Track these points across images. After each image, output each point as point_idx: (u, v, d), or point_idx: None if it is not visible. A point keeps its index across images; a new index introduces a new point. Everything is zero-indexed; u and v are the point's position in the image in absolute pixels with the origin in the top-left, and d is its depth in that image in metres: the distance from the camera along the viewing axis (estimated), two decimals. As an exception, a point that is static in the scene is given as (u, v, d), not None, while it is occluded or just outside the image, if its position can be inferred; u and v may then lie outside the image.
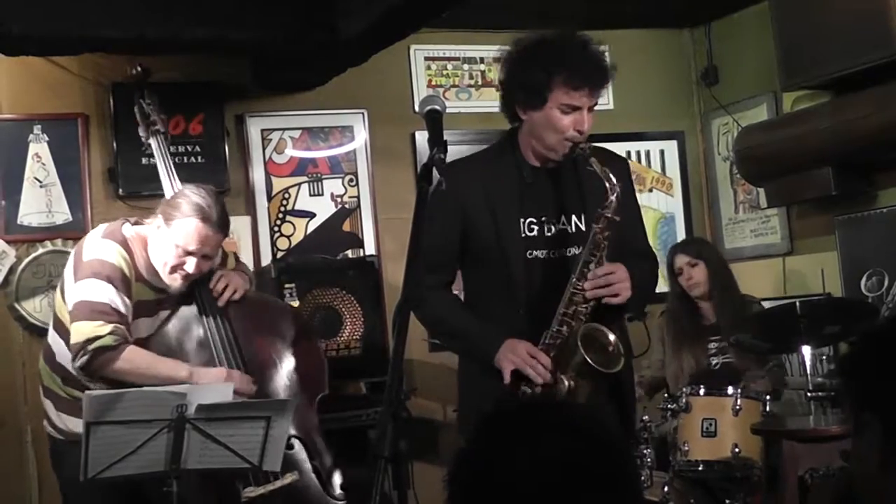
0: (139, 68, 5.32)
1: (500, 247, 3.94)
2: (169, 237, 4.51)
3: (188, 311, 4.74)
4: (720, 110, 7.46)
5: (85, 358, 4.41)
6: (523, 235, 3.97)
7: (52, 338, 4.70)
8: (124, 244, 4.57)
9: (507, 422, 1.97)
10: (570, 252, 3.99)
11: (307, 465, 4.71)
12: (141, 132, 5.20)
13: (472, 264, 4.07)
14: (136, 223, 4.69)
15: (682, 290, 6.24)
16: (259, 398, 4.54)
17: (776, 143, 6.61)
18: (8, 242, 6.03)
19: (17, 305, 6.01)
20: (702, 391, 5.47)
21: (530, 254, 3.97)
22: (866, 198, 6.54)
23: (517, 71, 3.94)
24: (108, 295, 4.46)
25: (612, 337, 3.88)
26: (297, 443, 4.67)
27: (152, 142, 5.13)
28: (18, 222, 6.07)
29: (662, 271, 7.60)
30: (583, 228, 3.99)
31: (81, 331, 4.44)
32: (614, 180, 3.86)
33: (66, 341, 4.54)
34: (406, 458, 5.34)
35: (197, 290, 4.73)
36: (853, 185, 6.44)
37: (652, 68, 7.59)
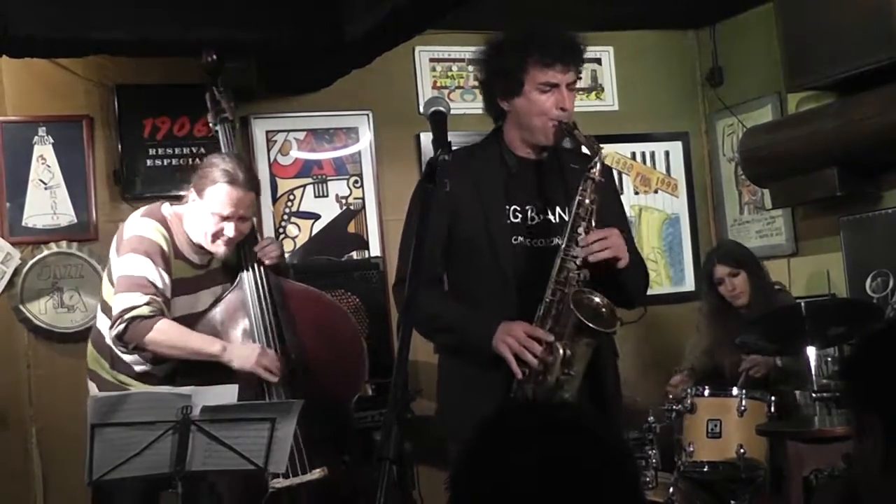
0: (214, 56, 5.25)
1: (487, 233, 3.93)
2: (204, 207, 4.59)
3: (235, 297, 4.77)
4: (725, 111, 7.46)
5: (121, 327, 4.47)
6: (508, 222, 3.97)
7: (101, 321, 4.76)
8: (163, 222, 4.65)
9: (507, 422, 1.97)
10: (553, 242, 3.97)
11: (339, 462, 4.73)
12: (209, 118, 5.17)
13: (458, 254, 4.02)
14: (174, 203, 4.76)
15: (721, 299, 6.17)
16: (298, 391, 4.55)
17: (781, 144, 6.60)
18: (13, 244, 6.03)
19: (21, 307, 6.01)
20: (706, 392, 5.47)
21: (515, 239, 3.97)
22: (871, 199, 6.54)
23: (491, 63, 4.01)
24: (147, 269, 4.53)
25: (599, 299, 3.85)
26: (330, 438, 4.73)
27: (219, 129, 5.11)
28: (23, 224, 6.07)
29: (664, 272, 7.62)
30: (566, 220, 3.97)
31: (120, 302, 4.52)
32: (598, 145, 3.89)
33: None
34: (410, 460, 5.36)
35: (246, 273, 4.78)
36: (858, 186, 6.43)
37: (657, 69, 7.59)
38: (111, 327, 4.54)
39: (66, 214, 6.11)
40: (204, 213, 4.60)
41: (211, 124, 5.17)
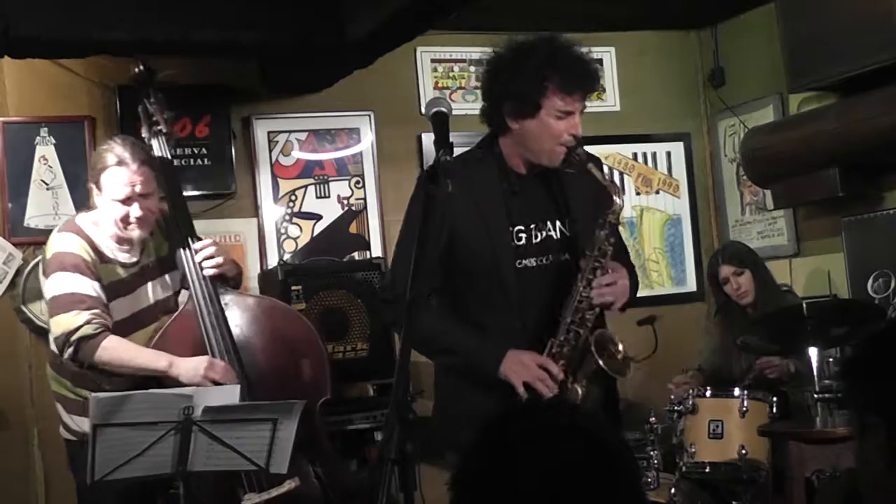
0: (142, 67, 5.21)
1: (491, 256, 3.87)
2: (106, 198, 4.61)
3: (186, 313, 4.77)
4: (727, 112, 7.46)
5: (71, 349, 4.48)
6: (513, 245, 3.91)
7: (52, 342, 4.72)
8: (79, 232, 4.65)
9: (510, 424, 1.97)
10: (558, 258, 3.95)
11: (309, 472, 4.71)
12: (143, 132, 5.10)
13: (458, 273, 3.95)
14: (87, 210, 4.77)
15: (728, 298, 6.21)
16: (262, 401, 4.53)
17: (783, 145, 6.60)
18: (14, 245, 6.03)
19: (23, 308, 6.01)
20: (708, 392, 5.47)
21: (519, 263, 3.91)
22: (873, 199, 6.54)
23: (506, 80, 3.87)
24: (76, 284, 4.54)
25: (621, 346, 3.87)
26: (298, 448, 4.66)
27: (154, 143, 5.02)
28: (25, 224, 6.08)
29: (665, 272, 7.62)
30: (567, 234, 3.95)
31: (60, 324, 4.52)
32: (617, 184, 3.86)
33: None
34: (413, 460, 5.34)
35: (194, 287, 4.77)
36: (860, 186, 6.43)
37: (658, 70, 7.59)
38: (61, 352, 4.53)
39: (67, 215, 6.05)
40: (107, 203, 4.61)
41: (146, 138, 5.06)
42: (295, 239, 6.67)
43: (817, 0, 6.37)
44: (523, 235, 3.94)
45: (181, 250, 4.83)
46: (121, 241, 4.68)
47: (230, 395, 4.20)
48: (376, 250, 6.74)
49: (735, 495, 5.41)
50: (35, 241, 6.06)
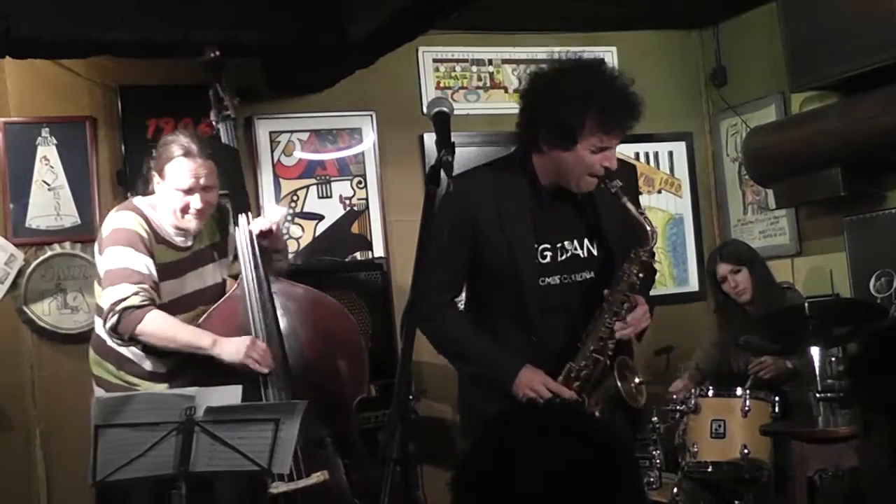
0: (217, 52, 5.27)
1: (514, 272, 3.89)
2: (168, 186, 4.68)
3: (236, 296, 4.80)
4: (729, 111, 7.46)
5: (114, 319, 4.52)
6: (537, 262, 3.92)
7: (98, 325, 4.77)
8: (136, 210, 4.72)
9: (510, 425, 1.97)
10: (581, 277, 3.97)
11: (339, 465, 4.72)
12: (212, 116, 5.17)
13: (480, 281, 4.01)
14: (144, 195, 4.85)
15: (726, 296, 6.23)
16: (301, 394, 4.51)
17: (785, 145, 6.60)
18: (16, 245, 6.03)
19: (25, 308, 6.01)
20: (710, 392, 5.47)
21: (542, 281, 3.93)
22: (875, 199, 6.54)
23: (546, 108, 3.84)
24: (129, 259, 4.58)
25: (638, 378, 3.93)
26: (330, 442, 4.72)
27: (221, 127, 5.12)
28: (27, 225, 6.07)
29: (667, 272, 7.62)
30: (594, 253, 3.98)
31: (109, 297, 4.56)
32: (654, 225, 3.88)
33: None
34: (415, 460, 5.35)
35: (245, 271, 4.79)
36: (861, 185, 6.43)
37: (660, 69, 7.58)
38: (104, 321, 4.56)
39: (69, 215, 6.11)
40: (169, 191, 4.68)
41: (213, 122, 5.17)
42: (297, 239, 6.66)
43: (818, 0, 6.37)
44: (548, 254, 3.95)
45: (237, 231, 4.88)
46: (176, 228, 4.75)
47: (232, 395, 4.20)
48: (378, 250, 6.74)
49: (737, 495, 5.41)
50: (37, 241, 6.07)
